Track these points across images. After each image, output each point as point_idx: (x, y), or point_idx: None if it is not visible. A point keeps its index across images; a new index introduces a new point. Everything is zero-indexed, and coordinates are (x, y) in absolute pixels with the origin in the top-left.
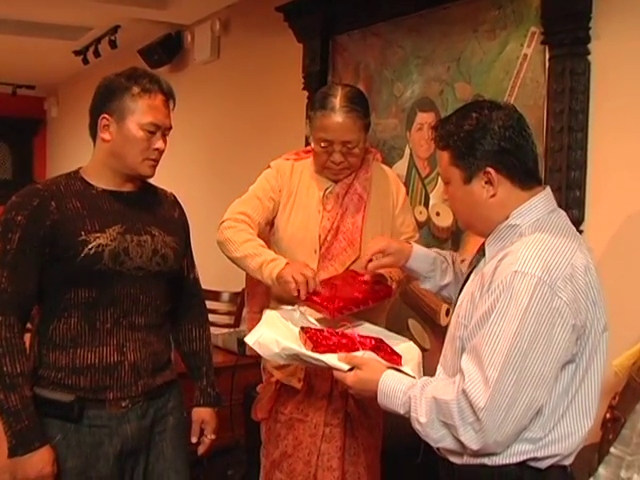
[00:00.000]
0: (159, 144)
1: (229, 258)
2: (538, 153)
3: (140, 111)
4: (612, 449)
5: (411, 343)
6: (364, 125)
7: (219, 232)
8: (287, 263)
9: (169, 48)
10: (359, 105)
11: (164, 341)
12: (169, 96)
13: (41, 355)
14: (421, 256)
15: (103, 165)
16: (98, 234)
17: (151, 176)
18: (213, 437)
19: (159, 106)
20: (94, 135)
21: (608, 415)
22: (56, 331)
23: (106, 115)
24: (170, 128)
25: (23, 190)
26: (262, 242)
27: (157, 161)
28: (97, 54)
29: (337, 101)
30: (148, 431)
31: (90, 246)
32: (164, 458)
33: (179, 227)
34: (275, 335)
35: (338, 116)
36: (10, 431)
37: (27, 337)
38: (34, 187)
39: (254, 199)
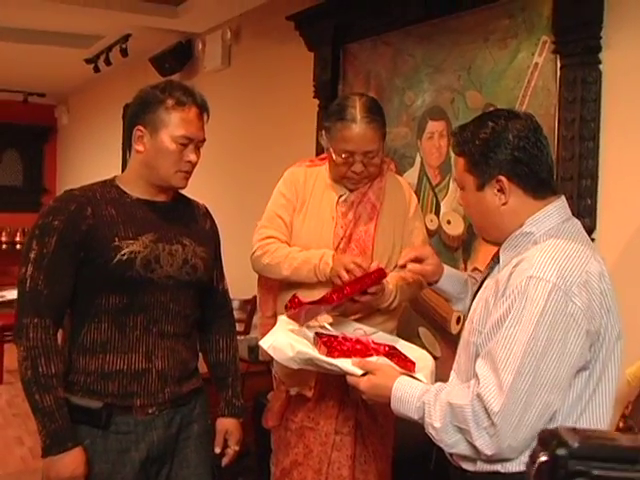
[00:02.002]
0: (192, 156)
1: (279, 278)
2: (553, 163)
3: (173, 124)
4: None
5: (425, 352)
6: (383, 134)
7: (253, 262)
8: (333, 257)
9: (180, 56)
10: (378, 115)
11: (192, 350)
12: (203, 109)
13: (72, 360)
14: (452, 277)
15: (137, 175)
16: (131, 241)
17: (183, 187)
18: (237, 448)
19: (192, 119)
20: (129, 145)
21: (621, 424)
22: (87, 336)
23: (140, 127)
24: (203, 140)
25: (60, 195)
26: (298, 248)
27: (190, 173)
28: (108, 62)
29: (357, 112)
30: (174, 438)
31: (123, 252)
32: (188, 465)
33: (210, 239)
34: (289, 339)
35: (359, 127)
36: (44, 431)
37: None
38: (71, 193)
39: (275, 219)
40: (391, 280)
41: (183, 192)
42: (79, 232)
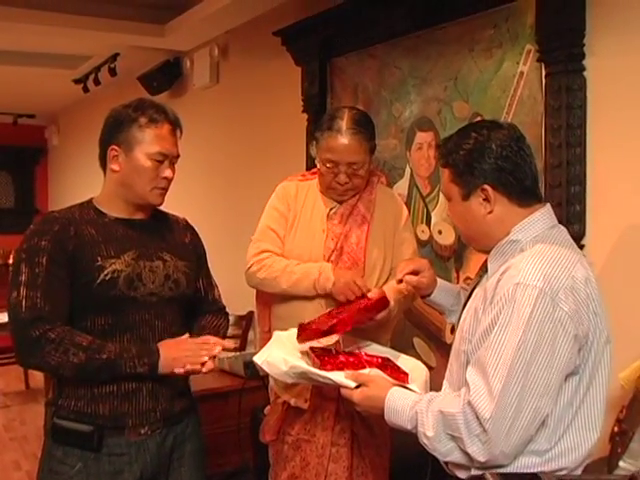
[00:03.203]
0: (167, 173)
1: (276, 292)
2: (538, 170)
3: (147, 141)
4: (621, 463)
5: (419, 362)
6: (369, 147)
7: (249, 278)
8: (335, 272)
9: (168, 74)
10: (365, 127)
11: None
12: (176, 125)
13: (61, 385)
14: (446, 290)
15: (114, 194)
16: (113, 260)
17: (160, 204)
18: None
19: (166, 135)
20: (104, 166)
21: (616, 429)
22: None
23: (115, 146)
24: (178, 156)
25: (40, 219)
26: (295, 260)
27: (166, 189)
28: (97, 82)
29: (344, 123)
30: (167, 457)
31: (106, 272)
32: None
33: (190, 252)
34: (283, 354)
35: (344, 138)
36: (135, 367)
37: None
38: (51, 215)
39: (269, 232)
40: (390, 294)
41: (165, 208)
42: (66, 251)
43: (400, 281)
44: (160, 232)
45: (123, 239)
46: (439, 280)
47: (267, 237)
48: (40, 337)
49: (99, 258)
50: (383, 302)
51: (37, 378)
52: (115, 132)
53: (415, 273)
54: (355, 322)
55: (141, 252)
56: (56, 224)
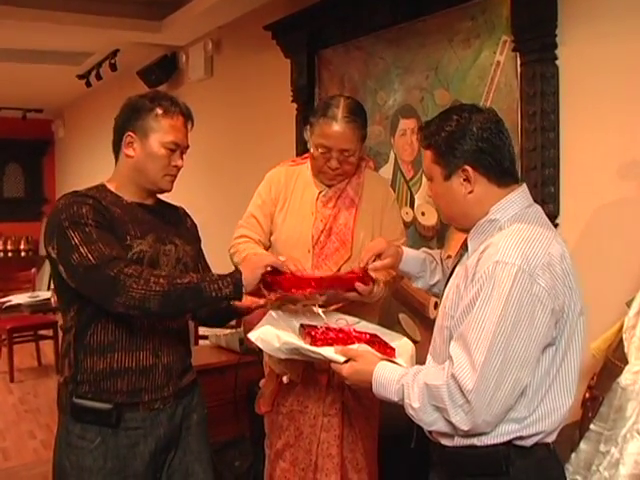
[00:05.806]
0: (178, 161)
1: None
2: (515, 152)
3: (162, 130)
4: (592, 426)
5: (406, 339)
6: (361, 135)
7: (230, 258)
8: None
9: (165, 68)
10: (358, 116)
11: (187, 344)
12: (188, 118)
13: (78, 361)
14: (412, 258)
15: (127, 179)
16: (140, 240)
17: (170, 190)
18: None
19: (179, 126)
20: (117, 151)
21: (587, 395)
22: (94, 337)
23: (130, 133)
24: (187, 147)
25: (68, 195)
26: (259, 251)
27: (175, 177)
28: (99, 77)
29: (339, 111)
30: (178, 428)
31: (133, 251)
32: (190, 451)
33: (192, 236)
34: (276, 331)
35: (339, 125)
36: (221, 289)
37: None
38: (78, 192)
39: (250, 218)
40: (379, 276)
41: (164, 196)
42: (106, 219)
43: (364, 269)
44: (169, 218)
45: (144, 221)
46: (405, 250)
47: (248, 223)
48: (118, 274)
49: (128, 237)
50: (361, 278)
51: (48, 355)
52: (132, 119)
53: (379, 255)
54: (324, 285)
55: (158, 235)
56: (88, 198)
